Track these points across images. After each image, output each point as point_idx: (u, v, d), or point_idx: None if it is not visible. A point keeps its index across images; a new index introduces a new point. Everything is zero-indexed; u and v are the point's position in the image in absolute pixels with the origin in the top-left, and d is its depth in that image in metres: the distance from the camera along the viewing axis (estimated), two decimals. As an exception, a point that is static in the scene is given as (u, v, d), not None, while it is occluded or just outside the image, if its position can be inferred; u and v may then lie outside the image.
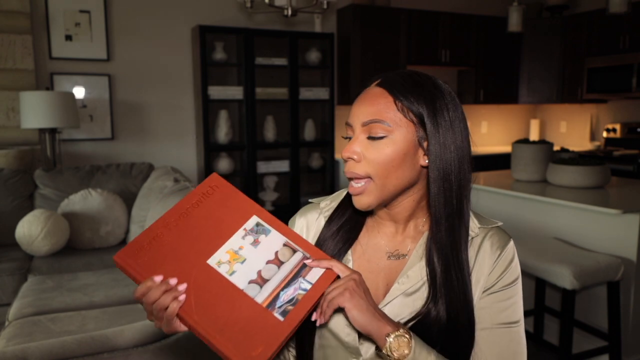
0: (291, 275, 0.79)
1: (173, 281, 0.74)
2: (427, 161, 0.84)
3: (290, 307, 0.76)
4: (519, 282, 0.89)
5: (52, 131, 3.48)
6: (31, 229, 2.69)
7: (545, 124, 5.60)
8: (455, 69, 5.17)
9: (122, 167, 3.35)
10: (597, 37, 4.58)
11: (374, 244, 0.92)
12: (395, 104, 0.82)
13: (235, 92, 4.07)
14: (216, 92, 4.01)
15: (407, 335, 0.78)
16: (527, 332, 2.65)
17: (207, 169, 4.06)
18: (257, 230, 0.84)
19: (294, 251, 0.82)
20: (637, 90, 4.17)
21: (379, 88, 0.84)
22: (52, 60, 3.80)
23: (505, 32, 4.07)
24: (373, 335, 0.78)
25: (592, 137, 5.08)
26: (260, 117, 4.28)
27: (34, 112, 3.23)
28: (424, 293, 0.86)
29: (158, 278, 0.74)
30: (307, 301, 0.78)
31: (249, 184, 4.18)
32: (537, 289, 2.64)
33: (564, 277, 2.12)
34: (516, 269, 0.88)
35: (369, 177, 0.83)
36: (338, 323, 0.86)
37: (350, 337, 0.85)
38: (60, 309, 2.09)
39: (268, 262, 0.80)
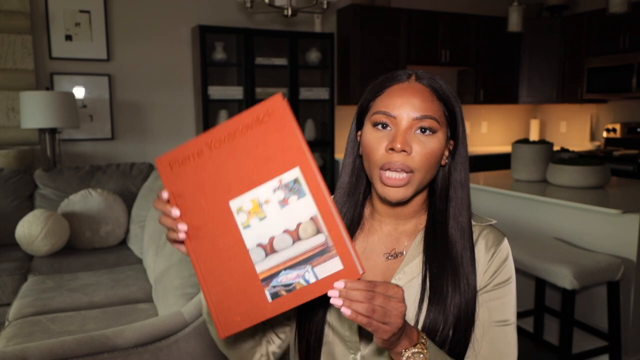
0: (301, 258, 0.69)
1: (175, 212, 0.73)
2: (447, 160, 0.88)
3: (284, 293, 0.69)
4: (513, 280, 0.89)
5: (52, 131, 3.48)
6: (31, 229, 2.69)
7: (545, 124, 5.59)
8: (455, 69, 5.17)
9: (122, 167, 3.35)
10: (597, 37, 4.58)
11: (371, 242, 0.93)
12: (439, 103, 0.85)
13: (235, 92, 4.07)
14: (216, 92, 4.01)
15: (423, 351, 0.75)
16: (527, 332, 2.65)
17: (207, 169, 4.06)
18: (292, 188, 0.70)
19: (318, 231, 0.68)
20: (637, 90, 4.17)
21: (420, 84, 0.85)
22: (52, 60, 3.80)
23: (505, 32, 4.07)
24: (389, 350, 0.76)
25: (592, 137, 5.07)
26: (260, 117, 4.27)
27: (34, 112, 3.23)
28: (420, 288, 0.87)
29: (165, 194, 0.75)
30: (303, 294, 0.69)
31: (249, 184, 4.18)
32: (537, 289, 2.64)
33: (563, 277, 2.12)
34: (510, 268, 0.89)
35: (411, 171, 0.83)
36: (339, 317, 0.87)
37: (351, 330, 0.86)
38: (60, 309, 2.09)
39: (286, 231, 0.70)
